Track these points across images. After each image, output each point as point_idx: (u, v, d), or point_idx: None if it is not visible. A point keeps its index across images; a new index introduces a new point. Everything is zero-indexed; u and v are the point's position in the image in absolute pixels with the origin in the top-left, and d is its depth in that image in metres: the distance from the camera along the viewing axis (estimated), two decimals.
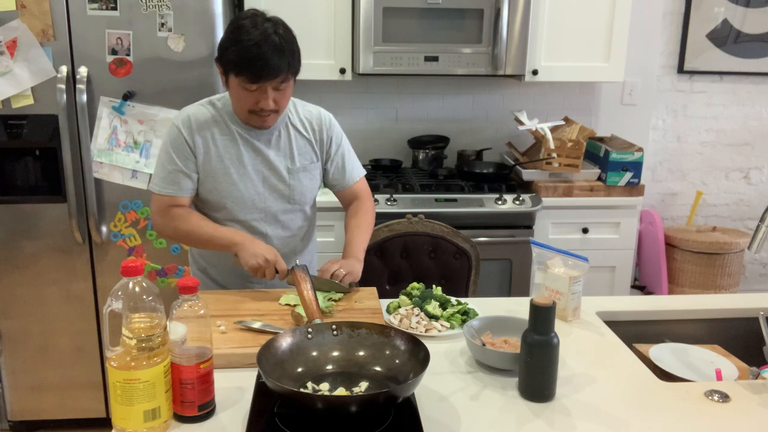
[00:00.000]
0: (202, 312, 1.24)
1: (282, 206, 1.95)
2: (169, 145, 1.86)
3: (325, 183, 2.07)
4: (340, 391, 1.31)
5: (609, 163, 3.07)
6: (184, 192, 1.87)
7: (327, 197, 2.19)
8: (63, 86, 2.47)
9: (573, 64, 3.14)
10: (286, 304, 1.75)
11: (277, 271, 1.78)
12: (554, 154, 3.11)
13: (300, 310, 1.65)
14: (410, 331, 1.63)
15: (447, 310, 1.73)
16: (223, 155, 1.87)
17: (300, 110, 1.96)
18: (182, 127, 1.86)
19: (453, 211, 2.90)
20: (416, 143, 3.45)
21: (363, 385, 1.35)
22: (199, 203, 1.94)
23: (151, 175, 2.57)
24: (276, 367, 1.32)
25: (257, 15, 1.75)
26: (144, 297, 1.20)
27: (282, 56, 1.71)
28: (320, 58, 2.98)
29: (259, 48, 1.69)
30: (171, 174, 1.86)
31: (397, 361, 1.38)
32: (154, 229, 1.95)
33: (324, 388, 1.33)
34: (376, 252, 2.43)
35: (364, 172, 2.10)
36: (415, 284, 1.86)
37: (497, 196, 2.97)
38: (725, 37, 3.58)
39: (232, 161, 1.87)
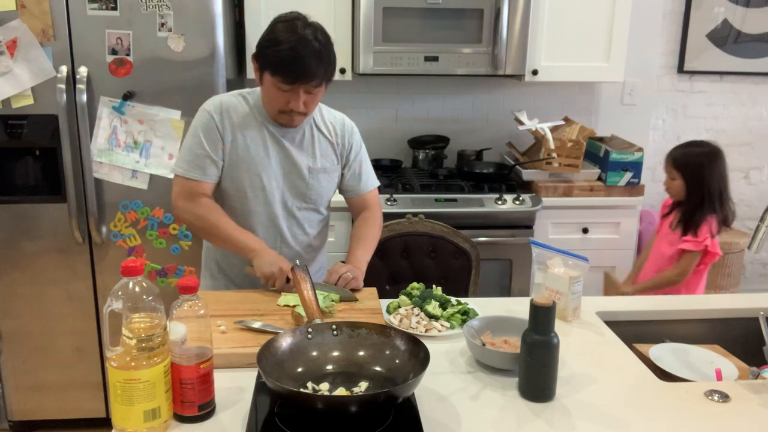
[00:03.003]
0: (202, 312, 1.24)
1: (298, 204, 1.97)
2: (200, 128, 1.88)
3: (340, 188, 2.09)
4: (340, 391, 1.31)
5: (609, 163, 3.07)
6: (209, 177, 1.89)
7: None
8: (63, 86, 2.47)
9: (573, 64, 3.13)
10: (285, 305, 1.75)
11: (288, 281, 1.80)
12: (554, 154, 3.11)
13: (300, 310, 1.65)
14: (410, 331, 1.63)
15: (447, 310, 1.73)
16: (249, 146, 1.89)
17: (325, 114, 2.01)
18: (214, 112, 1.88)
19: (453, 211, 2.90)
20: (416, 143, 3.45)
21: (363, 385, 1.34)
22: (219, 192, 1.95)
23: (151, 175, 2.58)
24: (276, 367, 1.32)
25: (299, 18, 1.78)
26: (144, 297, 1.19)
27: (320, 62, 1.75)
28: None
29: (298, 51, 1.72)
30: (198, 158, 1.87)
31: (397, 361, 1.38)
32: (173, 211, 1.95)
33: (324, 388, 1.33)
34: (376, 252, 2.42)
35: (378, 183, 2.13)
36: (415, 284, 1.86)
37: (497, 196, 2.97)
38: (725, 37, 3.58)
39: (257, 153, 1.90)
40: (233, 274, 2.02)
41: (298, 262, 1.76)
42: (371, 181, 2.10)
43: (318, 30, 1.78)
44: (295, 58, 1.72)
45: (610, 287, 2.68)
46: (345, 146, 2.01)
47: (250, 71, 2.51)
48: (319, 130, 1.97)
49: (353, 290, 1.85)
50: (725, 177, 2.37)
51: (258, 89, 1.92)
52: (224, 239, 1.91)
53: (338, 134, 2.00)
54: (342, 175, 2.04)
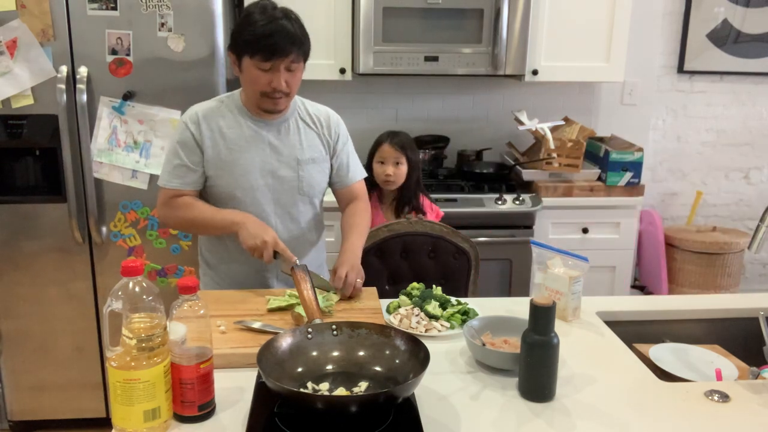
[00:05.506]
0: (202, 312, 1.25)
1: (291, 197, 1.98)
2: (177, 140, 1.92)
3: (328, 181, 2.09)
4: (340, 391, 1.31)
5: (609, 163, 3.07)
6: (189, 185, 1.92)
7: (327, 197, 2.19)
8: (63, 86, 2.47)
9: (573, 64, 3.13)
10: (277, 308, 1.72)
11: (275, 255, 1.79)
12: (554, 154, 3.11)
13: (300, 310, 1.65)
14: (410, 331, 1.63)
15: (447, 310, 1.73)
16: (232, 147, 1.91)
17: (309, 107, 2.02)
18: (189, 122, 1.92)
19: (453, 211, 2.90)
20: (416, 143, 3.44)
21: (363, 385, 1.35)
22: (210, 196, 1.96)
23: (151, 175, 2.58)
24: (276, 367, 1.32)
25: (267, 5, 1.83)
26: (144, 297, 1.20)
27: (294, 36, 1.80)
28: (320, 58, 2.98)
29: (271, 27, 1.77)
30: (177, 168, 1.91)
31: (397, 361, 1.38)
32: (160, 221, 1.97)
33: (324, 388, 1.33)
34: (376, 252, 2.43)
35: (365, 174, 2.15)
36: (415, 284, 1.86)
37: (497, 196, 2.97)
38: (725, 37, 3.57)
39: (241, 152, 1.91)
40: (225, 272, 2.02)
41: (297, 261, 1.76)
42: (359, 172, 2.12)
43: (289, 12, 1.83)
44: (270, 34, 1.77)
45: None
46: (332, 137, 2.03)
47: None
48: (303, 121, 1.99)
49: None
50: None
51: (236, 92, 1.96)
52: (208, 226, 1.94)
53: (324, 125, 2.01)
54: (330, 166, 2.05)
